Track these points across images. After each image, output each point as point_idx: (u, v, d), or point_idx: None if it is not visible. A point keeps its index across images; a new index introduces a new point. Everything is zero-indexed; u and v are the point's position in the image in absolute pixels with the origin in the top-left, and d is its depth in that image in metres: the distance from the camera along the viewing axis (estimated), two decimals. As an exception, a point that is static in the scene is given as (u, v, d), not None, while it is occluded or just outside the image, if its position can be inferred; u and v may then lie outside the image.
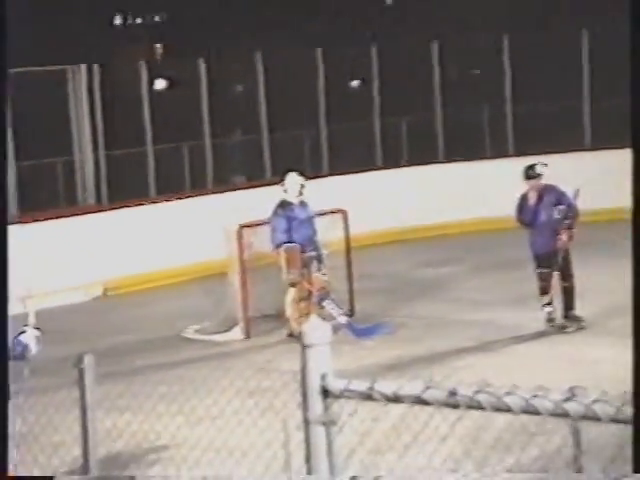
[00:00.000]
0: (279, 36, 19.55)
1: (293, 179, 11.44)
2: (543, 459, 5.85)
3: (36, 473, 7.16)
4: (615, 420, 2.47)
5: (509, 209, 11.84)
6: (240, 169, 16.41)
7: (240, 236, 11.49)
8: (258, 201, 12.75)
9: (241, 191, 14.88)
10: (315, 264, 11.47)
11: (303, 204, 11.51)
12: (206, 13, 22.04)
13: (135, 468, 7.91)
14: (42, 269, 13.08)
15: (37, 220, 13.81)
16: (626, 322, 3.14)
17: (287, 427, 4.16)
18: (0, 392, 3.51)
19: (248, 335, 11.45)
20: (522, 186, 11.62)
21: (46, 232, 13.77)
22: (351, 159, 16.04)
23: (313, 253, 11.46)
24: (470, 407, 2.73)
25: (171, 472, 7.86)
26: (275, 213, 11.25)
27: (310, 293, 11.28)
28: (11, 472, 3.83)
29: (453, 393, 2.75)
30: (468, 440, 5.78)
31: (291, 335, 11.12)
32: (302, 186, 11.47)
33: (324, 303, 11.45)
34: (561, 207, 11.07)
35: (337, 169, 15.60)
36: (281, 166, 14.17)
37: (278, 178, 12.23)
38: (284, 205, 11.30)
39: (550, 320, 10.90)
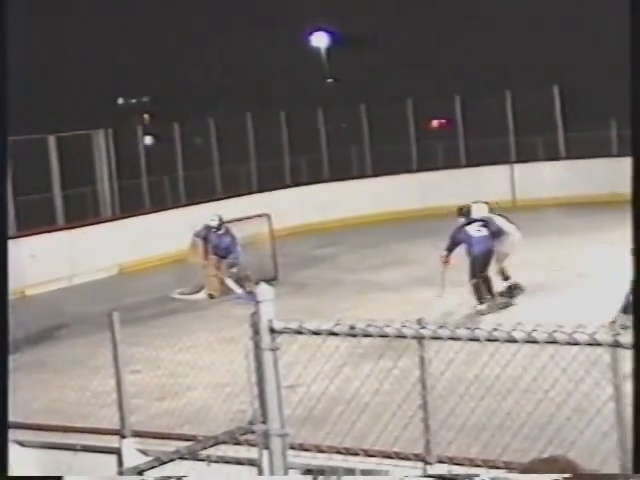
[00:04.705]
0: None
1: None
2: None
3: (85, 374, 9.59)
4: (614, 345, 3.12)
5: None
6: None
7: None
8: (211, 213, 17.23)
9: (202, 205, 19.69)
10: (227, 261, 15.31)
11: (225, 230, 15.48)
12: (174, 94, 29.11)
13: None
14: (82, 257, 17.83)
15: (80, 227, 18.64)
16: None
17: (248, 351, 4.01)
18: (0, 392, 3.38)
19: (210, 296, 15.19)
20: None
21: (82, 234, 18.47)
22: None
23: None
24: (365, 335, 3.53)
25: (165, 381, 9.73)
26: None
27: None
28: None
29: (352, 327, 3.54)
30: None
31: (210, 296, 15.21)
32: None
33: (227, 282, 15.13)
34: None
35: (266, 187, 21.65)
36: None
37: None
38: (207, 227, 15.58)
39: None
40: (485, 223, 13.00)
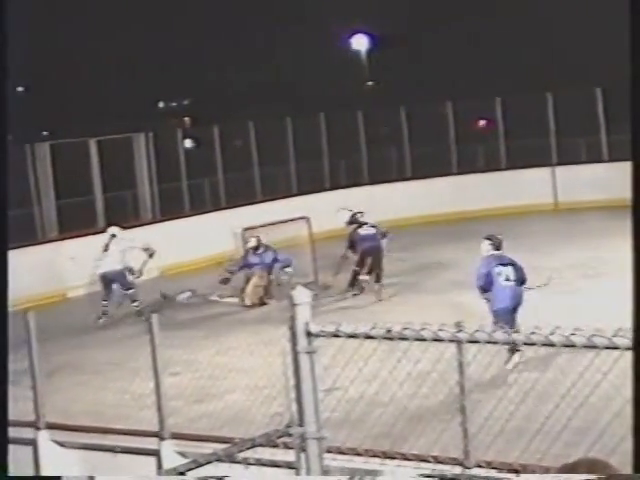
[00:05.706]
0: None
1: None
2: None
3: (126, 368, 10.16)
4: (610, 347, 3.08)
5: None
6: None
7: (244, 235, 16.20)
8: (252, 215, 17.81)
9: (242, 208, 20.16)
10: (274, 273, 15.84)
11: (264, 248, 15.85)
12: (214, 97, 29.26)
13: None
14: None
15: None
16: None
17: (285, 354, 4.10)
18: (0, 392, 3.40)
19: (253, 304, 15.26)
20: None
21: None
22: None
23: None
24: (401, 339, 3.49)
25: (203, 383, 9.63)
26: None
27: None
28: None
29: (389, 330, 3.51)
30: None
31: (253, 304, 15.30)
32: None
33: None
34: None
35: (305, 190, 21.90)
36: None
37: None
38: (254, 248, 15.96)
39: None
40: (373, 225, 15.71)
